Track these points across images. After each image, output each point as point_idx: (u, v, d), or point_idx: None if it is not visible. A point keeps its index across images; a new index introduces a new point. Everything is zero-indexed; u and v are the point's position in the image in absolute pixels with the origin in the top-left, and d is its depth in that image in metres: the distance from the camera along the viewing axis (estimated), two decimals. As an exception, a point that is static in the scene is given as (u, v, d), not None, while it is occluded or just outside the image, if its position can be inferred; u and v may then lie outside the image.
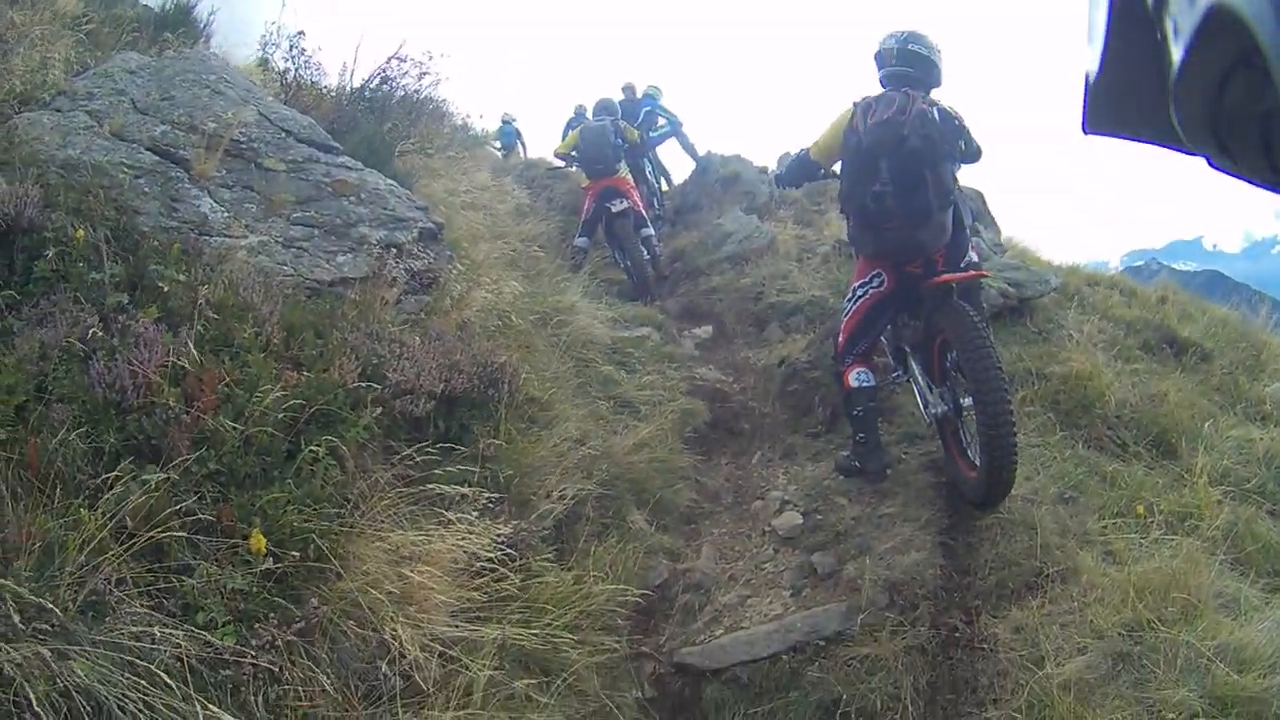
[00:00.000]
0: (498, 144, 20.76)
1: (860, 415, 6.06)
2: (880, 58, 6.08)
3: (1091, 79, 1.12)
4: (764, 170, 15.25)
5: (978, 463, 5.36)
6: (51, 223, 4.61)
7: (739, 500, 6.56)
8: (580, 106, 19.02)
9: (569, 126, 18.31)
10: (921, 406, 6.09)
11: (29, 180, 4.80)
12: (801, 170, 6.52)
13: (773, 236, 11.85)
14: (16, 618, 2.75)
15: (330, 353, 4.66)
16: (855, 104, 5.89)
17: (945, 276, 5.66)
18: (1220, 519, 5.47)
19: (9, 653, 2.68)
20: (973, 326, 5.33)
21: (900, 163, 5.51)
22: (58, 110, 6.11)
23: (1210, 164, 0.92)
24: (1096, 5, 1.07)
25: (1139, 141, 1.12)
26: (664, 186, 16.09)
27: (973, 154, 6.07)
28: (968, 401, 5.46)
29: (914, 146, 5.48)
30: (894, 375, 6.50)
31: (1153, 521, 5.36)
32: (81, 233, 4.62)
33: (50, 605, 2.84)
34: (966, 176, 6.12)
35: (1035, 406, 6.71)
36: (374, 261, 5.85)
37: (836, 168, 6.25)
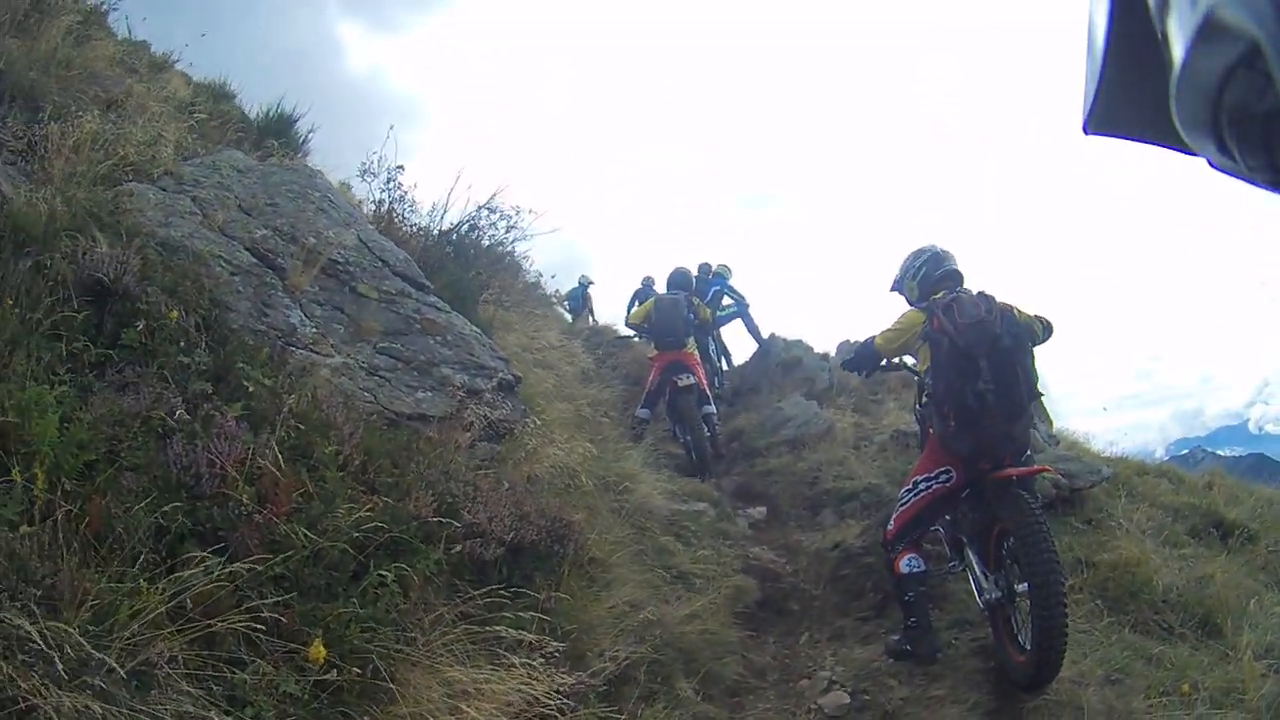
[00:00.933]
0: (566, 305, 21.03)
1: (911, 600, 6.19)
2: (933, 261, 6.63)
3: (1092, 79, 1.13)
4: (825, 357, 15.54)
5: (1027, 647, 5.49)
6: (146, 296, 4.76)
7: (785, 678, 6.62)
8: (648, 278, 19.42)
9: (636, 297, 18.90)
10: (976, 594, 6.17)
11: (131, 249, 4.91)
12: (867, 359, 6.87)
13: (831, 423, 12.03)
14: (61, 666, 2.77)
15: (406, 483, 4.78)
16: (928, 307, 6.27)
17: (1011, 471, 5.84)
18: (1265, 691, 5.61)
19: (56, 697, 2.70)
20: (1032, 514, 5.52)
21: (998, 361, 5.78)
22: (163, 189, 6.38)
23: (1210, 164, 0.91)
24: (1097, 6, 1.08)
25: (1139, 142, 1.14)
26: (724, 366, 16.28)
27: (1047, 334, 6.51)
28: (1021, 588, 5.55)
29: (1007, 345, 5.81)
30: (950, 565, 6.68)
31: (1197, 698, 5.51)
32: (175, 314, 4.80)
33: (102, 658, 2.87)
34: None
35: (1084, 594, 6.83)
36: (454, 403, 5.97)
37: (909, 360, 6.80)
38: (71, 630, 2.86)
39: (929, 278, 6.58)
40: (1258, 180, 0.84)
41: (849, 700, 6.09)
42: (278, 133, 9.97)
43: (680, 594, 6.73)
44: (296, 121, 10.55)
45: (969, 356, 5.80)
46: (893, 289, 7.04)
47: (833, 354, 16.05)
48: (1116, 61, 1.07)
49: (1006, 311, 6.02)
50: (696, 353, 12.45)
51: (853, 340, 16.09)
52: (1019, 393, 5.81)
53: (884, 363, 6.86)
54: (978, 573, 6.13)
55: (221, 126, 8.86)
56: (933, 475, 6.18)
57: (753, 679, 6.47)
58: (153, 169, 6.53)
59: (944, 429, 6.02)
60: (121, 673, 2.89)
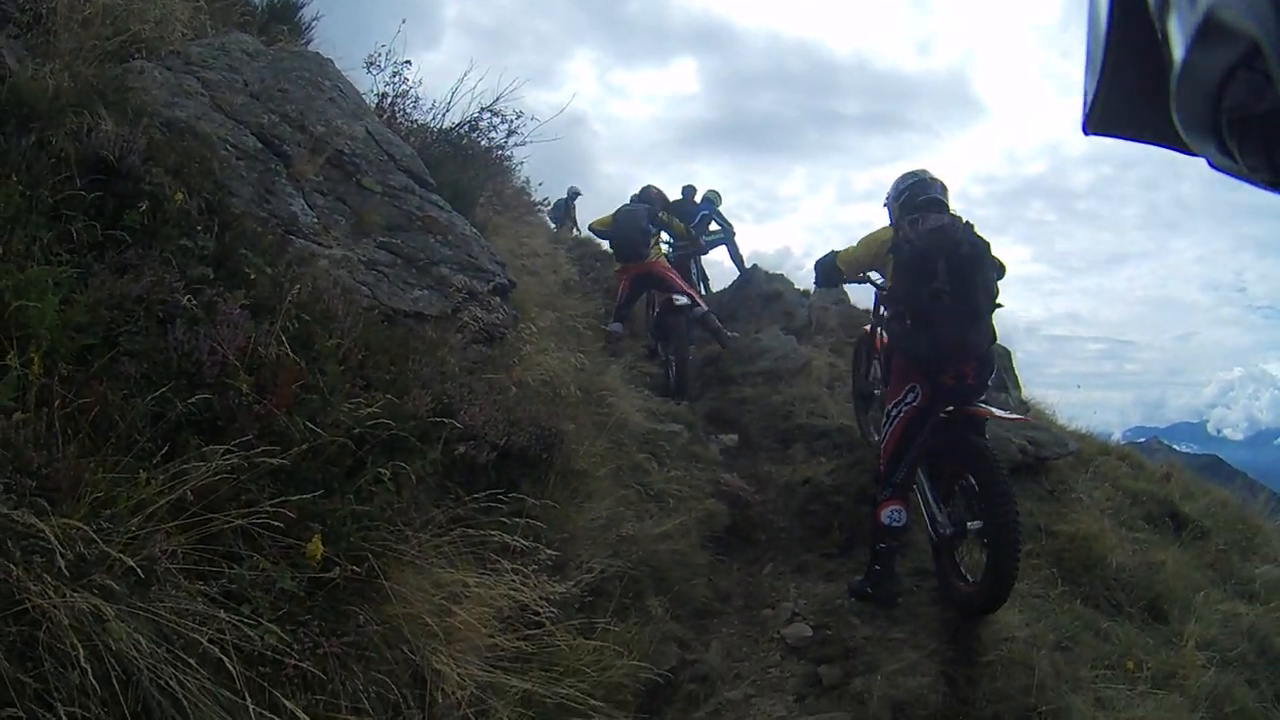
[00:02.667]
0: (550, 213, 20.75)
1: (883, 549, 6.40)
2: (918, 186, 6.83)
3: (1092, 79, 1.14)
4: (806, 294, 15.41)
5: (972, 579, 6.02)
6: (150, 177, 4.60)
7: (749, 605, 6.78)
8: (636, 196, 19.33)
9: None
10: (929, 524, 6.38)
11: (137, 129, 4.79)
12: (827, 270, 7.15)
13: (807, 359, 11.95)
14: (62, 563, 2.72)
15: (404, 381, 4.73)
16: (897, 223, 6.56)
17: (990, 412, 6.36)
18: (1203, 681, 5.90)
19: (59, 595, 2.68)
20: (992, 458, 5.95)
21: (956, 264, 5.95)
22: (168, 68, 6.19)
23: (1210, 164, 0.92)
24: (1098, 6, 1.09)
25: (1139, 142, 1.15)
26: (703, 290, 16.23)
27: (1000, 270, 6.46)
28: (975, 525, 5.88)
29: (967, 252, 6.00)
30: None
31: (1141, 676, 5.79)
32: (180, 196, 4.63)
33: (106, 551, 2.85)
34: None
35: (1041, 560, 7.04)
36: (451, 303, 5.93)
37: (875, 276, 7.02)
38: (81, 526, 2.82)
39: (911, 200, 6.70)
40: (1258, 180, 0.85)
41: (811, 633, 6.26)
42: (283, 17, 9.80)
43: (654, 512, 6.80)
44: (302, 7, 10.40)
45: (926, 257, 5.98)
46: (885, 205, 7.17)
47: (813, 293, 15.96)
48: (1116, 61, 1.08)
49: (970, 227, 6.18)
50: (663, 260, 12.25)
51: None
52: (975, 297, 6.00)
53: (843, 279, 7.17)
54: (932, 506, 6.34)
55: (227, 7, 8.73)
56: (901, 398, 6.29)
57: (718, 603, 6.62)
58: (161, 47, 6.45)
59: (901, 331, 6.35)
60: (131, 567, 2.86)
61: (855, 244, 6.90)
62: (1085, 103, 1.18)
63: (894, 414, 6.33)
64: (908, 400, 6.23)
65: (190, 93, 6.00)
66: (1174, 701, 5.54)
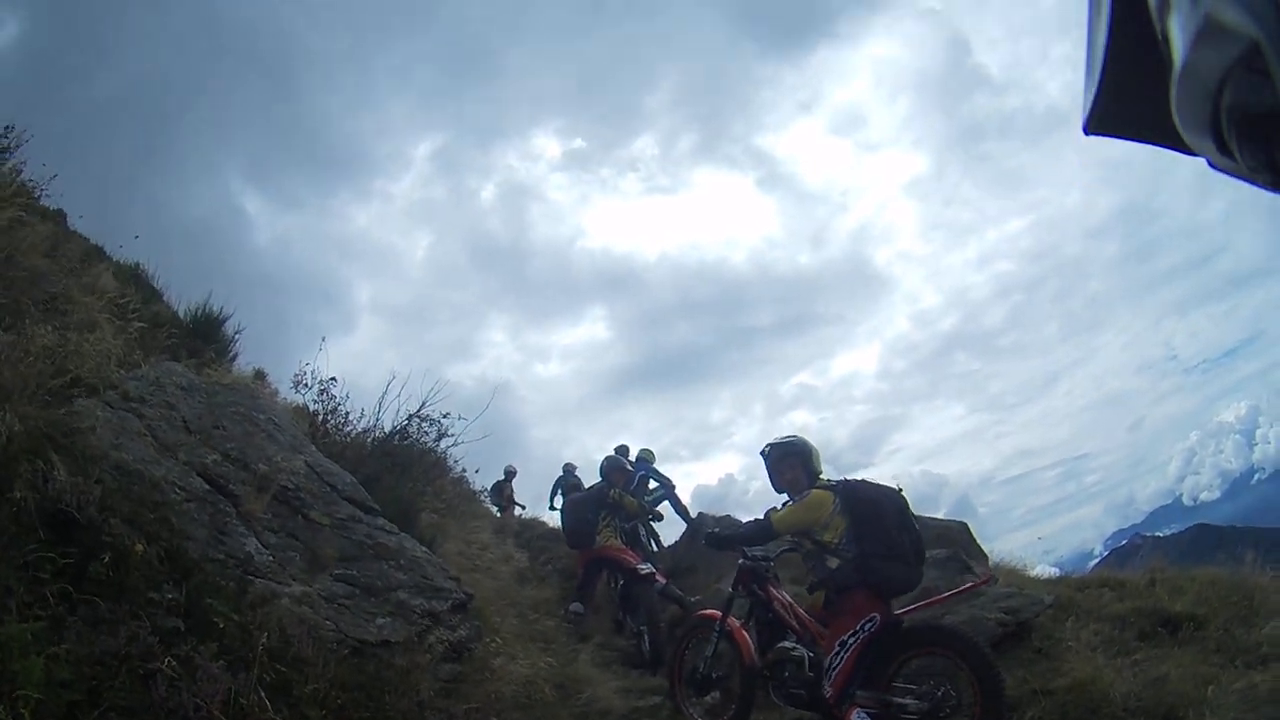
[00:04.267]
0: (489, 497, 20.64)
1: None
2: (808, 455, 7.96)
3: (1092, 79, 1.16)
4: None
5: None
6: (109, 528, 4.79)
7: None
8: (568, 465, 19.53)
9: (557, 485, 19.49)
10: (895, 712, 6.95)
11: (91, 478, 4.93)
12: (763, 538, 8.00)
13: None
14: None
15: (386, 717, 4.91)
16: (837, 487, 7.64)
17: (945, 596, 7.69)
18: None
19: None
20: (959, 630, 7.19)
21: (910, 520, 7.46)
22: (109, 405, 6.36)
23: (1210, 164, 0.95)
24: (1099, 7, 1.11)
25: (1140, 142, 1.17)
26: (654, 548, 16.24)
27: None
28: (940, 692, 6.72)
29: (907, 509, 7.52)
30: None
31: None
32: (140, 547, 4.81)
33: None
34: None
35: None
36: (414, 629, 6.01)
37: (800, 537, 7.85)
38: None
39: (812, 469, 7.90)
40: (1258, 180, 0.89)
41: None
42: (206, 336, 10.13)
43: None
44: (224, 322, 10.74)
45: (899, 512, 7.38)
46: (763, 454, 8.21)
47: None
48: (1116, 61, 1.10)
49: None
50: (615, 542, 12.46)
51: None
52: (922, 542, 7.49)
53: (778, 536, 7.90)
54: (899, 700, 6.93)
55: (153, 329, 8.93)
56: (858, 629, 7.09)
57: None
58: (100, 384, 6.58)
59: (882, 570, 7.14)
60: None
61: (786, 512, 7.71)
62: (1085, 103, 1.20)
63: (850, 643, 7.08)
64: (864, 630, 7.07)
65: (134, 433, 6.22)
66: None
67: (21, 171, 9.35)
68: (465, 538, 11.28)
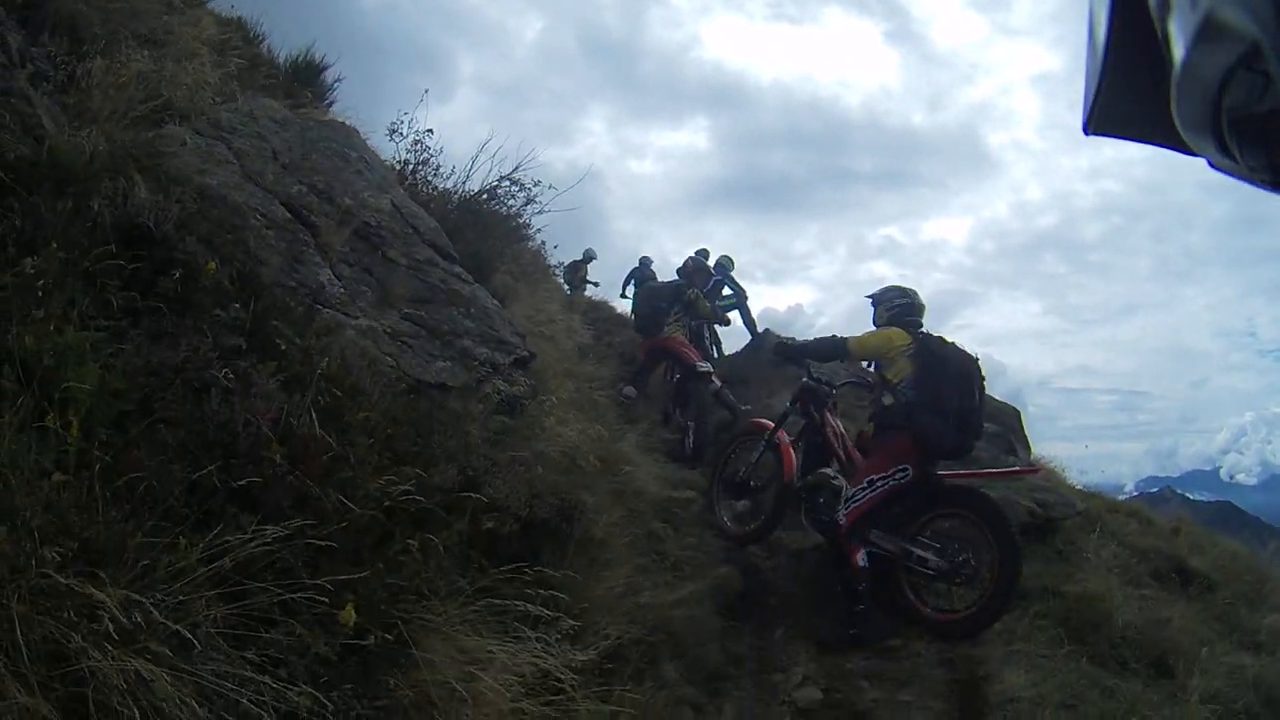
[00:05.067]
0: (563, 275, 20.76)
1: (864, 590, 7.20)
2: (911, 307, 8.02)
3: (1092, 79, 1.16)
4: None
5: (959, 606, 6.98)
6: (184, 245, 4.79)
7: (761, 669, 6.90)
8: (645, 258, 19.46)
9: (631, 275, 19.53)
10: (921, 564, 7.16)
11: (171, 197, 4.94)
12: (831, 354, 8.43)
13: None
14: (112, 626, 2.85)
15: (430, 454, 4.94)
16: (916, 334, 7.72)
17: (966, 473, 7.71)
18: None
19: (115, 659, 2.81)
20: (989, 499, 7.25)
21: (980, 392, 7.48)
22: (199, 134, 6.34)
23: (1210, 165, 0.94)
24: (1099, 6, 1.10)
25: (1140, 142, 1.17)
26: (715, 354, 16.35)
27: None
28: (962, 558, 6.92)
29: (980, 384, 7.51)
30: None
31: None
32: (213, 265, 4.80)
33: (161, 621, 2.98)
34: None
35: (1047, 621, 7.36)
36: (475, 376, 6.04)
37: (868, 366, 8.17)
38: (132, 595, 2.96)
39: (899, 318, 7.93)
40: (1258, 180, 0.87)
41: (821, 696, 6.43)
42: (306, 80, 10.03)
43: (669, 579, 7.00)
44: (324, 70, 10.61)
45: (965, 379, 7.38)
46: (871, 302, 8.32)
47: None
48: (1116, 61, 1.09)
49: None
50: (679, 335, 12.60)
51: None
52: (982, 416, 7.59)
53: (850, 359, 8.36)
54: (910, 548, 7.22)
55: (251, 69, 8.89)
56: (889, 473, 7.32)
57: (731, 668, 6.73)
58: (192, 112, 6.60)
59: (941, 427, 7.23)
60: (163, 633, 2.98)
61: (864, 335, 8.01)
62: (1086, 103, 1.20)
63: (878, 484, 7.33)
64: (895, 477, 7.30)
65: (221, 160, 6.20)
66: (1178, 757, 5.68)
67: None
68: (535, 304, 11.28)
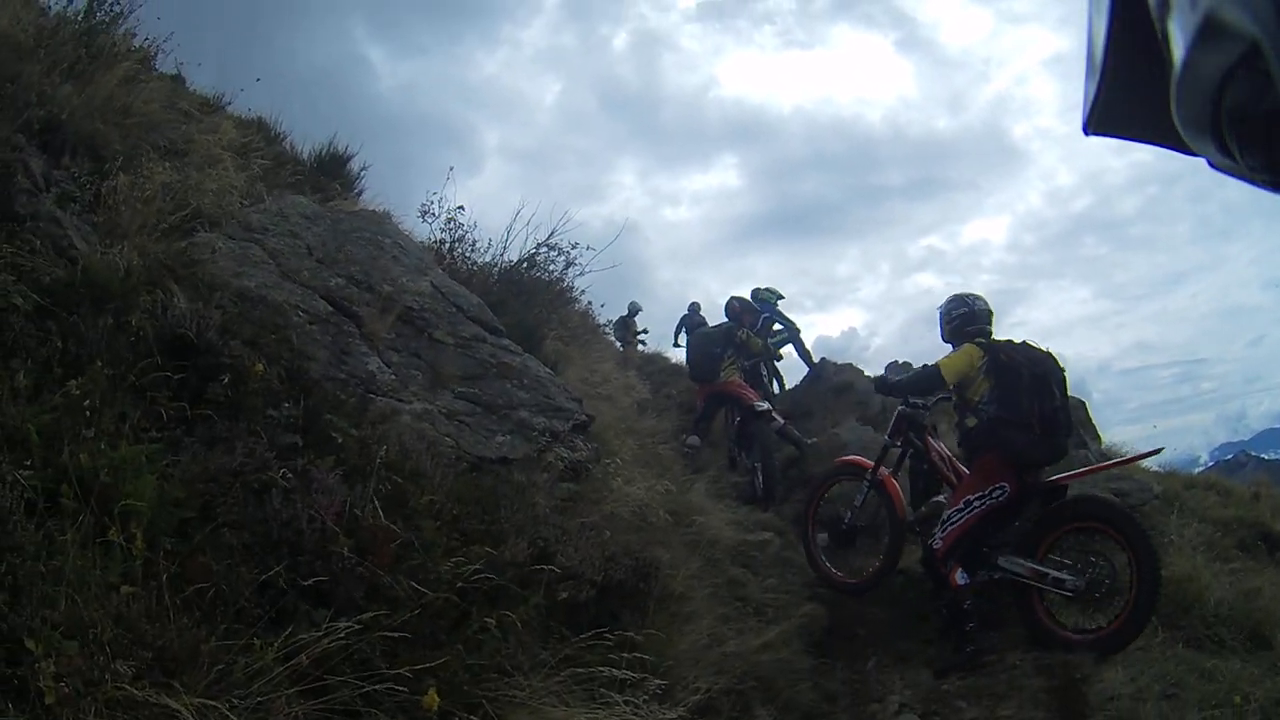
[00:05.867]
0: (613, 332, 20.85)
1: (970, 608, 7.00)
2: (971, 316, 7.84)
3: (1092, 79, 1.14)
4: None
5: (1101, 624, 6.67)
6: (229, 350, 4.78)
7: (856, 703, 6.80)
8: (694, 304, 19.61)
9: (682, 323, 19.55)
10: (1055, 586, 6.89)
11: (210, 303, 4.95)
12: (930, 386, 7.91)
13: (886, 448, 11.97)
14: None
15: (499, 530, 4.88)
16: (988, 345, 7.49)
17: (1075, 474, 7.51)
18: None
19: None
20: (1122, 508, 7.23)
21: (1060, 389, 7.29)
22: (232, 238, 6.38)
23: (1210, 164, 0.92)
24: (1097, 6, 1.09)
25: (1140, 142, 1.15)
26: (776, 390, 16.31)
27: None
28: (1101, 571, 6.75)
29: (1060, 378, 7.34)
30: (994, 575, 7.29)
31: (1248, 709, 5.78)
32: (260, 367, 4.80)
33: None
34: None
35: None
36: (535, 446, 6.01)
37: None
38: (211, 702, 2.89)
39: (961, 328, 7.81)
40: (1258, 180, 0.86)
41: (920, 722, 6.33)
42: (331, 172, 10.15)
43: (753, 624, 6.89)
44: (349, 159, 10.74)
45: (1044, 380, 7.15)
46: (939, 314, 8.16)
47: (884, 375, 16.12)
48: (1116, 61, 1.08)
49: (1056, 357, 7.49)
50: (737, 378, 12.59)
51: (902, 362, 16.25)
52: (1068, 413, 7.37)
53: (942, 393, 7.89)
54: (1041, 569, 6.93)
55: (276, 168, 8.98)
56: (986, 492, 7.09)
57: (826, 704, 6.61)
58: (222, 218, 6.63)
59: (1026, 439, 7.05)
60: None
61: (949, 359, 7.63)
62: (1086, 103, 1.19)
63: (975, 505, 7.10)
64: (993, 496, 7.07)
65: (256, 261, 6.22)
66: (1285, 728, 5.63)
67: (135, 34, 9.29)
68: (588, 366, 11.38)
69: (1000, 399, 7.18)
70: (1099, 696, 5.96)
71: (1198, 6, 0.80)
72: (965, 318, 7.81)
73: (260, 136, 9.76)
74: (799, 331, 17.42)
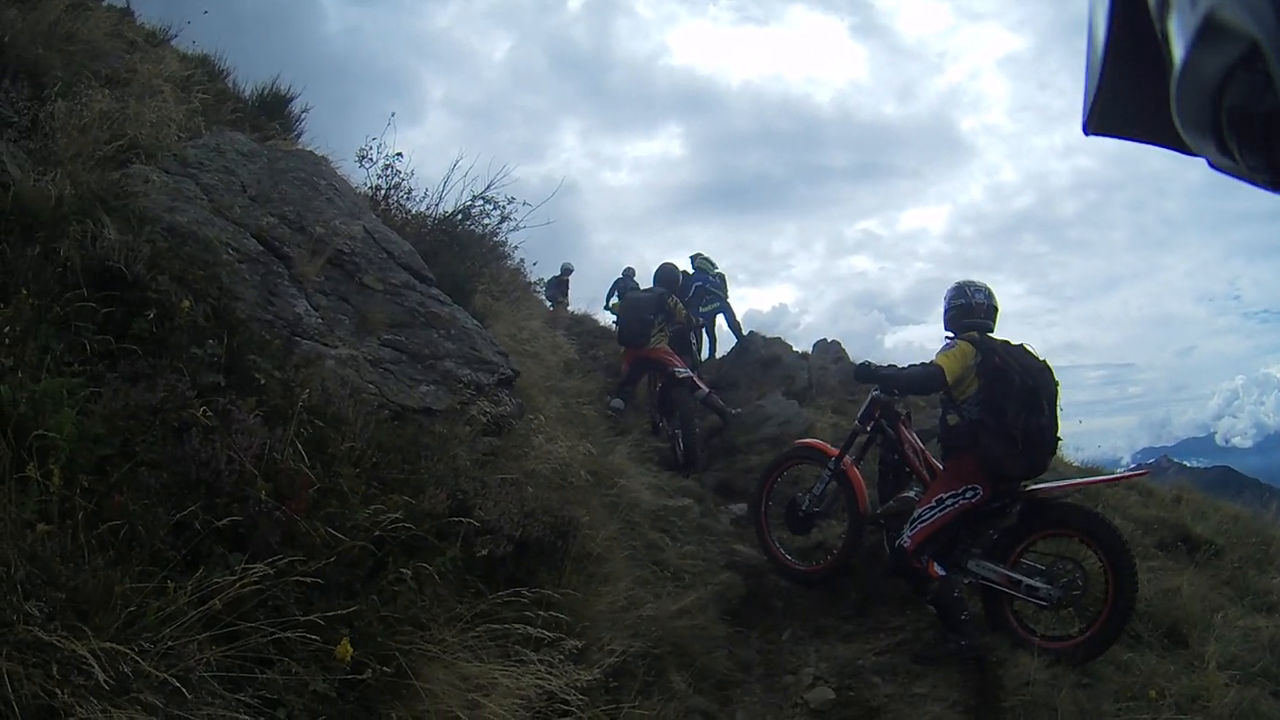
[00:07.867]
0: (544, 291, 20.80)
1: (959, 597, 6.83)
2: (968, 309, 7.55)
3: (1092, 79, 1.15)
4: (804, 356, 15.64)
5: (1077, 629, 6.71)
6: (156, 285, 4.72)
7: (770, 673, 6.89)
8: (628, 269, 19.61)
9: (615, 287, 19.82)
10: (1030, 596, 6.86)
11: (140, 236, 4.90)
12: (931, 387, 7.44)
13: (811, 422, 12.24)
14: (102, 676, 2.78)
15: (419, 480, 4.87)
16: (982, 343, 7.23)
17: (1054, 485, 7.35)
18: (1227, 700, 6.04)
19: (98, 710, 2.73)
20: (1099, 515, 7.10)
21: (1051, 404, 6.97)
22: (167, 171, 6.28)
23: (1210, 164, 0.93)
24: (1097, 6, 1.10)
25: (1140, 142, 1.16)
26: (704, 356, 16.39)
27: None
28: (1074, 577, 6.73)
29: (1052, 392, 7.03)
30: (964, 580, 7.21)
31: (1163, 704, 5.98)
32: (187, 303, 4.75)
33: (150, 671, 2.92)
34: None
35: None
36: (459, 398, 6.02)
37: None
38: (119, 648, 2.89)
39: (956, 320, 7.56)
40: (1258, 180, 0.86)
41: (834, 696, 6.40)
42: (272, 112, 9.98)
43: (670, 590, 6.96)
44: (291, 101, 10.57)
45: (1035, 393, 6.88)
46: (946, 326, 7.73)
47: (810, 352, 16.23)
48: (1116, 61, 1.09)
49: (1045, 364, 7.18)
50: (662, 345, 12.67)
51: (831, 340, 16.30)
52: (1056, 430, 7.04)
53: (948, 384, 7.34)
54: (1014, 576, 6.92)
55: (217, 104, 8.85)
56: (958, 492, 7.00)
57: (740, 673, 6.72)
58: (158, 150, 6.54)
59: (1005, 450, 6.85)
60: (168, 681, 2.91)
61: (946, 356, 7.25)
62: (1085, 103, 1.20)
63: (948, 503, 7.01)
64: (965, 496, 6.98)
65: (189, 197, 6.13)
66: (1197, 723, 5.75)
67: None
68: (517, 323, 11.33)
69: (986, 403, 7.04)
70: (1014, 681, 6.07)
71: (1198, 6, 0.81)
72: (962, 309, 7.58)
73: (203, 72, 9.58)
74: (728, 302, 17.74)
